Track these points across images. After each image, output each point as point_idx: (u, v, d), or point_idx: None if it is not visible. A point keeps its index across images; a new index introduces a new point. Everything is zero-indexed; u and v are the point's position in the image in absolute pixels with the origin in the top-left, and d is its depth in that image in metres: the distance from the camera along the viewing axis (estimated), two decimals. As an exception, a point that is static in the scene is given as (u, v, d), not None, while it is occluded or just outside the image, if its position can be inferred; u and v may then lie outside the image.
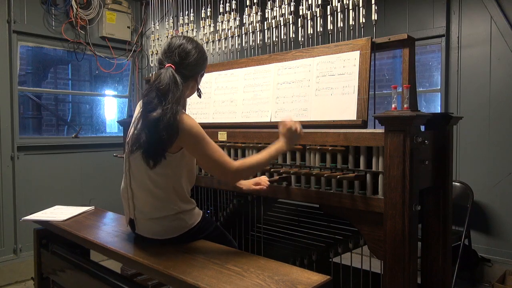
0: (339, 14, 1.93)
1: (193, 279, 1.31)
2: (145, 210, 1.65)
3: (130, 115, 3.65)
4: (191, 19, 2.72)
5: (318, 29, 2.02)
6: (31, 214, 2.26)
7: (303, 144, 1.85)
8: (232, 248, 1.68)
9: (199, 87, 1.72)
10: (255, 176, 1.92)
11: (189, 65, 1.60)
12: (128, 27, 3.96)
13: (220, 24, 2.50)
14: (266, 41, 2.27)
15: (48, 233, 2.18)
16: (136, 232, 1.72)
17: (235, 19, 2.43)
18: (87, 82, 4.43)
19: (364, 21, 1.86)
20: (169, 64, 1.56)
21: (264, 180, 1.86)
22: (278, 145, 1.66)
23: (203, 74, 1.72)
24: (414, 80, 1.80)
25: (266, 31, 2.26)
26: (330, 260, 2.05)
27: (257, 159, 1.63)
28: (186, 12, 2.73)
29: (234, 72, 2.33)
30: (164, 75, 1.52)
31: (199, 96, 1.74)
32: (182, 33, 2.77)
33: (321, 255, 2.10)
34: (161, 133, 1.47)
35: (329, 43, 1.95)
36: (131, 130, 1.65)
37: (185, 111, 1.60)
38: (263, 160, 1.63)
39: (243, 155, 2.12)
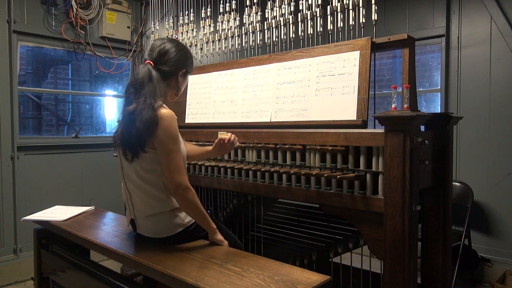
0: (339, 14, 1.93)
1: (193, 279, 1.31)
2: (141, 209, 1.67)
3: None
4: (191, 19, 2.72)
5: (318, 29, 2.02)
6: (31, 214, 2.26)
7: (303, 144, 1.85)
8: (232, 248, 1.68)
9: (182, 86, 1.75)
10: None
11: (168, 61, 1.64)
12: (128, 27, 3.96)
13: (220, 24, 2.50)
14: (266, 41, 2.27)
15: (48, 233, 2.18)
16: (138, 232, 1.73)
17: (235, 19, 2.43)
18: (87, 82, 4.43)
19: (364, 21, 1.86)
20: (147, 61, 1.62)
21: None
22: (214, 225, 1.67)
23: (186, 73, 1.74)
24: (414, 80, 1.80)
25: (266, 31, 2.26)
26: (330, 260, 2.05)
27: (202, 209, 1.64)
28: (186, 12, 2.73)
29: (234, 72, 2.33)
30: (140, 70, 1.59)
31: (177, 95, 1.75)
32: (182, 33, 2.77)
33: (321, 255, 2.10)
34: (137, 125, 1.51)
35: (329, 43, 1.95)
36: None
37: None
38: (205, 215, 1.63)
39: (243, 155, 2.13)
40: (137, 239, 1.75)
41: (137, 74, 1.59)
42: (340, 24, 1.93)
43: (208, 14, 2.61)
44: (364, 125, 1.74)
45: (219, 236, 1.68)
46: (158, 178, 1.62)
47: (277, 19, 2.19)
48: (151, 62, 1.61)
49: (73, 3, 3.52)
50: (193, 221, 1.71)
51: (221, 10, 2.48)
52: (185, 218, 1.69)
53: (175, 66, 1.66)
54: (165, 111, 1.57)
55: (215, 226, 1.69)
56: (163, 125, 1.53)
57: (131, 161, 1.60)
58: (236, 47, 2.44)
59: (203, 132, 2.33)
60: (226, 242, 1.69)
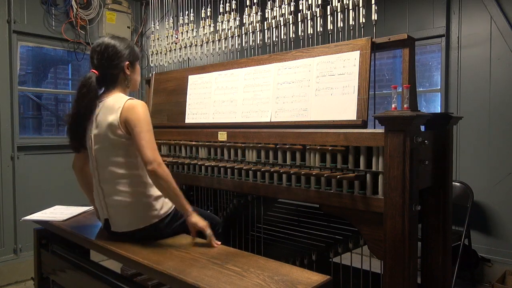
0: (339, 14, 1.93)
1: (193, 279, 1.31)
2: (118, 199, 1.69)
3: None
4: (191, 19, 2.72)
5: (318, 29, 2.02)
6: (31, 214, 2.26)
7: (303, 144, 1.85)
8: (232, 248, 1.67)
9: (133, 77, 1.85)
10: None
11: (106, 62, 1.73)
12: (128, 27, 3.96)
13: (220, 24, 2.50)
14: (266, 41, 2.27)
15: (48, 233, 2.18)
16: (112, 230, 1.75)
17: (235, 19, 2.43)
18: (87, 82, 4.42)
19: (364, 21, 1.86)
20: (92, 70, 1.73)
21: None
22: (189, 207, 1.67)
23: (132, 64, 1.81)
24: (414, 80, 1.80)
25: (266, 31, 2.26)
26: (330, 260, 2.05)
27: (176, 187, 1.65)
28: (186, 12, 2.73)
29: (234, 72, 2.33)
30: (81, 79, 1.73)
31: (128, 86, 1.83)
32: (182, 33, 2.77)
33: (321, 255, 2.10)
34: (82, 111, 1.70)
35: (329, 43, 1.95)
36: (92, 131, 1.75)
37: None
38: (178, 193, 1.64)
39: (243, 155, 2.13)
40: (114, 237, 1.76)
41: (79, 82, 1.72)
42: (340, 24, 1.93)
43: (208, 14, 2.61)
44: (364, 125, 1.73)
45: (194, 218, 1.67)
46: (133, 164, 1.68)
47: (277, 19, 2.19)
48: (94, 71, 1.72)
49: (73, 3, 3.52)
50: (168, 212, 1.75)
51: (221, 10, 2.48)
52: (161, 210, 1.73)
53: (116, 62, 1.73)
54: (134, 101, 1.67)
55: (190, 208, 1.68)
56: (138, 109, 1.64)
57: (79, 151, 1.78)
58: (236, 47, 2.44)
59: (203, 132, 2.33)
60: (203, 223, 1.67)
